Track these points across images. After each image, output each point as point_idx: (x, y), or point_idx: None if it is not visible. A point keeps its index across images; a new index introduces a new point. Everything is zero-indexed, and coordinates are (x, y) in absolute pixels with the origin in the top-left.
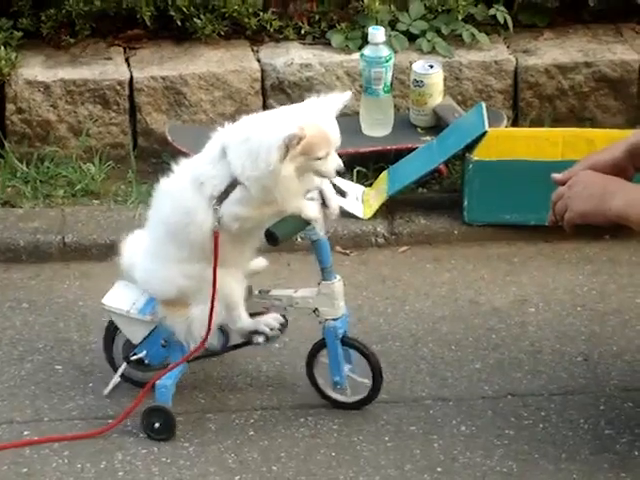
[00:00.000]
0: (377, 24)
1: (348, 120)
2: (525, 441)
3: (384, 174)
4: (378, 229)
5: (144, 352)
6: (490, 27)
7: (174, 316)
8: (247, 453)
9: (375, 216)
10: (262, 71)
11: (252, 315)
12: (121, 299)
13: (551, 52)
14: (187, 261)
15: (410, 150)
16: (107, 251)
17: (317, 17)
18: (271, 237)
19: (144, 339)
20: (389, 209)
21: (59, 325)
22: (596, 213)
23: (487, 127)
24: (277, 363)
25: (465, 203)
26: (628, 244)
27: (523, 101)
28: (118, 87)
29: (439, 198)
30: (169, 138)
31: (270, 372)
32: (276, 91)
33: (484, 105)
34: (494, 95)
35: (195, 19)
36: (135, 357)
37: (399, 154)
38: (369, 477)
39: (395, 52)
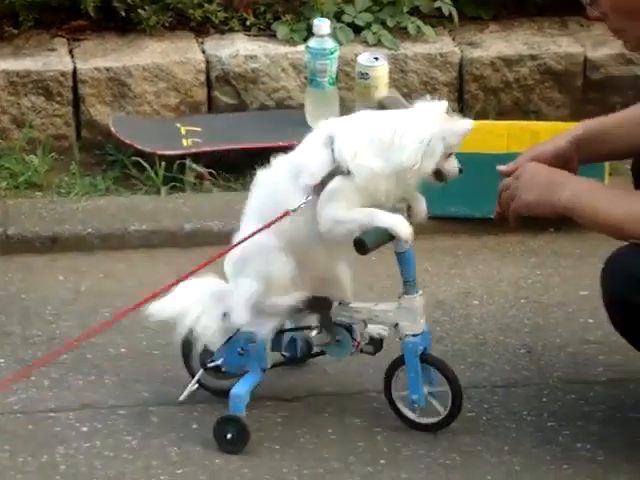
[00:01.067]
0: (322, 16)
1: (293, 112)
2: (468, 433)
3: None
4: None
5: (221, 359)
6: (435, 20)
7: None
8: (190, 446)
9: None
10: (207, 62)
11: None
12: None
13: (496, 45)
14: (265, 233)
15: None
16: (50, 244)
17: (262, 9)
18: (360, 245)
19: (222, 346)
20: None
21: (1, 318)
22: (544, 204)
23: None
24: None
25: None
26: (572, 237)
27: (468, 94)
28: (62, 78)
29: None
30: (113, 130)
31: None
32: (221, 83)
33: (429, 98)
34: (439, 88)
35: (139, 10)
36: (213, 364)
37: None
38: (312, 470)
39: (340, 44)
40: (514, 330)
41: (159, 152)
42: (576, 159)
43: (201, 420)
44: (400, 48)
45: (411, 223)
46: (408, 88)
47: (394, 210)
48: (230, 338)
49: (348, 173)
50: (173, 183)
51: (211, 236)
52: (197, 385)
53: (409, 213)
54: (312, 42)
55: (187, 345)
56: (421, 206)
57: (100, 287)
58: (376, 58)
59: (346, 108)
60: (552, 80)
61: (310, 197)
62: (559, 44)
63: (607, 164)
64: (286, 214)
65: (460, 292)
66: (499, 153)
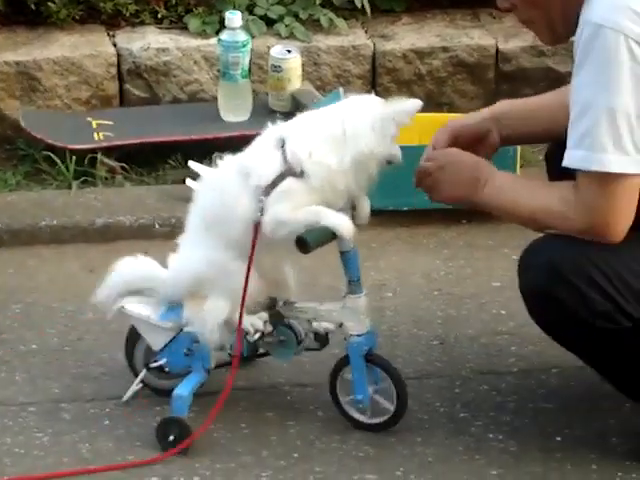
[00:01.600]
0: (234, 8)
1: (206, 106)
2: None
3: None
4: None
5: (165, 360)
6: (348, 12)
7: (191, 308)
8: (102, 442)
9: None
10: (118, 56)
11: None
12: (143, 304)
13: (409, 37)
14: (215, 248)
15: None
16: None
17: (174, 1)
18: (302, 243)
19: (165, 346)
20: None
21: None
22: (465, 201)
23: None
24: None
25: None
26: (484, 228)
27: (381, 86)
28: None
29: None
30: (23, 124)
31: (125, 361)
32: (132, 76)
33: (342, 90)
34: (352, 80)
35: (49, 3)
36: (156, 364)
37: None
38: (225, 464)
39: (253, 37)
40: (427, 322)
41: (70, 146)
42: (496, 133)
43: (113, 416)
44: (313, 41)
45: (354, 223)
46: (321, 81)
47: (339, 210)
48: (174, 338)
49: (301, 174)
50: (85, 177)
51: (123, 231)
52: (141, 385)
53: (353, 214)
54: (224, 35)
55: (130, 344)
56: (366, 206)
57: (11, 283)
58: (289, 51)
59: (259, 101)
60: (464, 72)
61: (262, 199)
62: (471, 36)
63: (519, 156)
64: (257, 226)
65: (374, 284)
66: (411, 146)
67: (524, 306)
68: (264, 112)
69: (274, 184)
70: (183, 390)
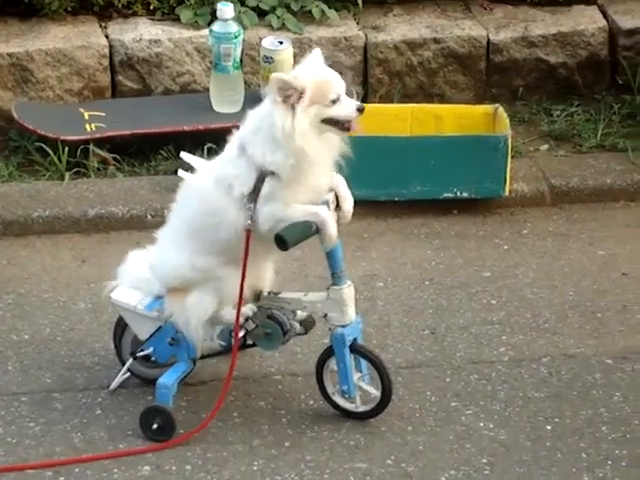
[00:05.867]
0: (226, 0)
1: (198, 96)
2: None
3: None
4: None
5: (151, 349)
6: (340, 3)
7: (173, 302)
8: (94, 432)
9: None
10: (110, 47)
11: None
12: (129, 294)
13: (400, 28)
14: (201, 254)
15: None
16: None
17: None
18: (280, 241)
19: (151, 336)
20: None
21: None
22: None
23: None
24: None
25: None
26: (475, 219)
27: (373, 77)
28: None
29: None
30: (15, 115)
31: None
32: (125, 67)
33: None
34: (344, 71)
35: None
36: (142, 353)
37: None
38: (217, 453)
39: (244, 28)
40: (418, 312)
41: (62, 137)
42: None
43: (105, 406)
44: (305, 32)
45: (338, 222)
46: None
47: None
48: (159, 328)
49: (272, 173)
50: (77, 169)
51: (115, 221)
52: (128, 374)
53: (338, 213)
54: (216, 26)
55: (118, 333)
56: (349, 206)
57: (3, 273)
58: (280, 42)
59: (251, 92)
60: (456, 63)
61: (251, 206)
62: (462, 27)
63: (510, 147)
64: (248, 232)
65: (365, 274)
66: (403, 136)
67: (514, 296)
68: (256, 103)
69: (256, 189)
70: (167, 379)
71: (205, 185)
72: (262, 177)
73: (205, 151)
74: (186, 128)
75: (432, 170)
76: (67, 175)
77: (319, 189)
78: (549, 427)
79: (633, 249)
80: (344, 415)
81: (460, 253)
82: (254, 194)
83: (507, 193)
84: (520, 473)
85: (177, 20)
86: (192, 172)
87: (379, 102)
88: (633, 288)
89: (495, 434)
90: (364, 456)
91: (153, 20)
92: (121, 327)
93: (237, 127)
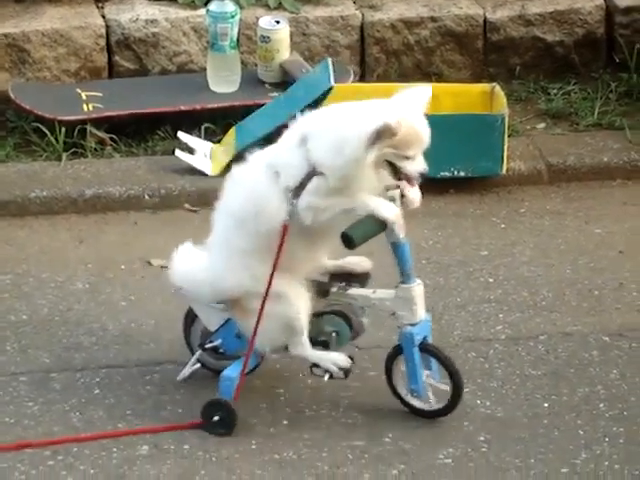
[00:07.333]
0: None
1: (195, 76)
2: (369, 393)
3: (232, 130)
4: None
5: (220, 340)
6: None
7: (237, 318)
8: (92, 411)
9: (223, 173)
10: (107, 27)
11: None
12: None
13: (397, 7)
14: (252, 256)
15: (258, 106)
16: None
17: None
18: (347, 240)
19: (220, 327)
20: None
21: None
22: None
23: (333, 82)
24: (123, 321)
25: None
26: (472, 198)
27: (370, 56)
28: None
29: None
30: (12, 96)
31: (116, 330)
32: (121, 47)
33: (330, 61)
34: (341, 50)
35: None
36: (210, 345)
37: (247, 110)
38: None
39: (241, 8)
40: None
41: (59, 118)
42: None
43: (103, 385)
44: (301, 11)
45: (402, 208)
46: (310, 51)
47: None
48: (228, 320)
49: (322, 174)
50: (74, 149)
51: (112, 201)
52: (198, 364)
53: (402, 200)
54: (212, 5)
55: (188, 324)
56: (413, 193)
57: (1, 254)
58: (277, 21)
59: (248, 71)
60: (453, 42)
61: (293, 202)
62: (459, 6)
63: (507, 125)
64: (285, 228)
65: (361, 253)
66: None
67: (512, 274)
68: (253, 83)
69: (302, 185)
70: (232, 372)
71: (253, 171)
72: (311, 174)
73: (202, 131)
74: (183, 108)
75: (429, 149)
76: (64, 155)
77: (360, 203)
78: (546, 405)
79: (630, 227)
80: (416, 414)
81: (457, 232)
82: (299, 189)
83: (504, 172)
84: (517, 450)
85: (174, 0)
86: (191, 153)
87: (376, 81)
88: (630, 266)
89: (492, 412)
90: (362, 434)
91: (150, 0)
92: (190, 318)
93: (235, 107)
